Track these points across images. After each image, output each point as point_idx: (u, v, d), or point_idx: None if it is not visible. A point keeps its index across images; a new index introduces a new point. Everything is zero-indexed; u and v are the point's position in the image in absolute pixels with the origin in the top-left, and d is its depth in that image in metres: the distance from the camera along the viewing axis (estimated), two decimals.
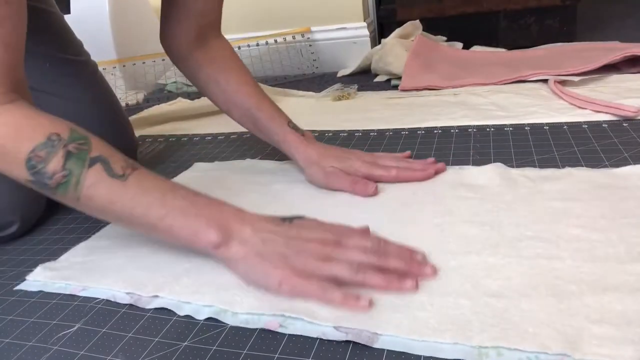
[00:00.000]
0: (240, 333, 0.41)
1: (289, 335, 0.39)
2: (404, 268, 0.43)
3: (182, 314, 0.44)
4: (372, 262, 0.43)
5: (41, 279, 0.52)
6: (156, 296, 0.46)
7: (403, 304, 0.40)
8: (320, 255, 0.43)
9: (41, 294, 0.51)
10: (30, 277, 0.53)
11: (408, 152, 0.68)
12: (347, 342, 0.38)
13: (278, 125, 0.66)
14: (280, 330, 0.40)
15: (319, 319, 0.39)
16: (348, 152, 0.65)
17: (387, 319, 0.38)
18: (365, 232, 0.48)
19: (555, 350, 0.33)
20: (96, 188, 0.45)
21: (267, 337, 0.40)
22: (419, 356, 0.35)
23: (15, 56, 0.46)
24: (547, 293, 0.39)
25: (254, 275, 0.44)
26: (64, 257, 0.56)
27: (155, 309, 0.45)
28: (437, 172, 0.61)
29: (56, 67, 0.74)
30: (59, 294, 0.50)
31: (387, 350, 0.36)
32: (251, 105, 0.67)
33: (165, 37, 0.70)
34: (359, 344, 0.37)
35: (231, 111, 0.70)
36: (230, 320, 0.42)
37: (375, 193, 0.59)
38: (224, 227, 0.45)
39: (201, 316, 0.43)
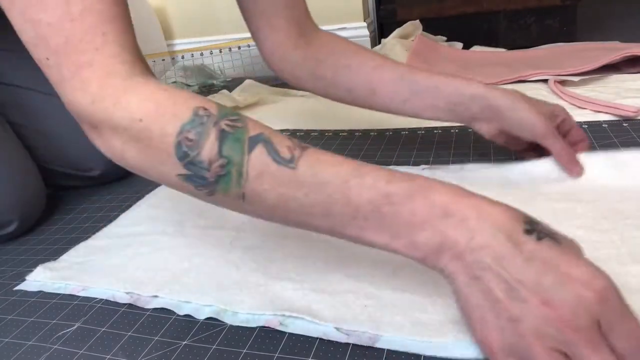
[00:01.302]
0: (240, 332, 0.41)
1: (289, 334, 0.39)
2: None
3: (182, 313, 0.44)
4: None
5: (41, 279, 0.52)
6: (156, 296, 0.46)
7: (403, 305, 0.40)
8: (554, 340, 0.28)
9: (41, 294, 0.51)
10: (30, 277, 0.53)
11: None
12: (347, 342, 0.38)
13: (447, 77, 0.56)
14: (280, 328, 0.40)
15: (320, 319, 0.39)
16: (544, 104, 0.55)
17: (388, 321, 0.38)
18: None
19: None
20: (263, 181, 0.34)
21: (267, 337, 0.40)
22: (419, 356, 0.35)
23: (127, 13, 0.39)
24: None
25: (467, 317, 0.32)
26: (64, 257, 0.56)
27: (155, 308, 0.45)
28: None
29: None
30: (59, 294, 0.50)
31: (387, 350, 0.36)
32: (402, 71, 0.58)
33: (271, 54, 0.64)
34: (359, 345, 0.37)
35: (378, 92, 0.59)
36: (231, 320, 0.42)
37: (580, 174, 0.52)
38: (432, 237, 0.32)
39: (201, 316, 0.43)
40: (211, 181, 0.35)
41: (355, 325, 0.38)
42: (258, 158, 0.34)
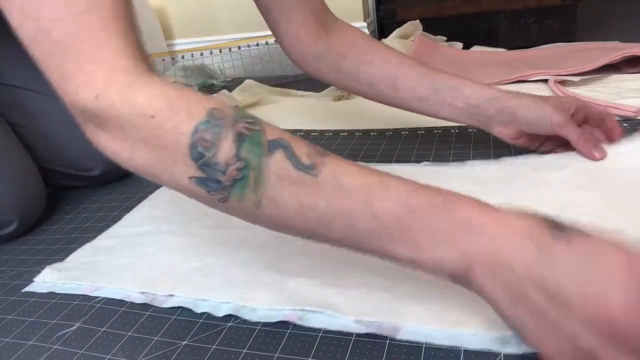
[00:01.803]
0: (240, 332, 0.41)
1: (289, 334, 0.39)
2: None
3: (199, 311, 0.44)
4: None
5: (50, 279, 0.52)
6: (172, 295, 0.46)
7: (420, 297, 0.40)
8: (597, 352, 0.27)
9: (41, 293, 0.51)
10: (39, 279, 0.53)
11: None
12: (347, 342, 0.38)
13: (466, 80, 0.59)
14: (299, 322, 0.40)
15: (339, 312, 0.39)
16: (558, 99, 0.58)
17: (406, 312, 0.38)
18: None
19: None
20: (282, 188, 0.32)
21: (267, 337, 0.40)
22: (420, 353, 0.35)
23: (130, 12, 0.39)
24: None
25: (523, 336, 0.31)
26: (71, 258, 0.56)
27: (154, 307, 0.45)
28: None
29: None
30: (59, 294, 0.50)
31: (387, 350, 0.36)
32: (427, 72, 0.59)
33: (291, 47, 0.63)
34: (359, 344, 0.37)
35: (398, 87, 0.60)
36: (249, 316, 0.42)
37: (603, 157, 0.53)
38: (459, 253, 0.30)
39: (219, 313, 0.43)
40: (226, 185, 0.33)
41: (375, 317, 0.38)
42: (277, 163, 0.32)
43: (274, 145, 0.33)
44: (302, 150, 0.33)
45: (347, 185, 0.32)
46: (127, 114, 0.34)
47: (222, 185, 0.33)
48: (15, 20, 0.37)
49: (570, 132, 0.55)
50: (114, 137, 0.36)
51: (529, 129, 0.56)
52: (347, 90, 0.66)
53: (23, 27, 0.36)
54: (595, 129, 0.59)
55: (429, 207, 0.32)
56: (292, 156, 0.33)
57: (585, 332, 0.27)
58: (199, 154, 0.32)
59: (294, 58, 0.66)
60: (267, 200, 0.33)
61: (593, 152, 0.54)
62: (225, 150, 0.32)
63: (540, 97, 0.57)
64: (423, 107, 0.61)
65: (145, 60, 0.37)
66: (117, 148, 0.36)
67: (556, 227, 0.30)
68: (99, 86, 0.35)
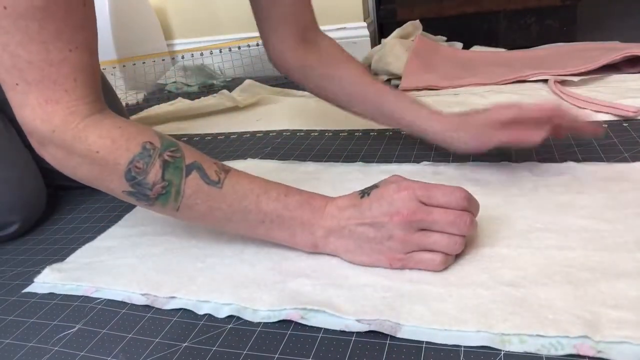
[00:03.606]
0: (241, 333, 0.41)
1: (290, 335, 0.39)
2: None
3: (201, 313, 0.44)
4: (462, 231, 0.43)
5: (50, 280, 0.52)
6: (173, 297, 0.46)
7: (421, 296, 0.40)
8: (406, 238, 0.43)
9: (41, 294, 0.51)
10: (39, 279, 0.53)
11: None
12: (347, 342, 0.38)
13: (406, 103, 0.64)
14: (302, 322, 0.40)
15: (341, 312, 0.40)
16: (486, 110, 0.57)
17: (408, 311, 0.39)
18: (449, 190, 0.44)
19: (576, 333, 0.34)
20: (195, 197, 0.45)
21: (267, 337, 0.40)
22: (420, 352, 0.35)
23: (97, 63, 0.47)
24: (563, 281, 0.39)
25: (364, 262, 0.45)
26: (72, 258, 0.56)
27: (155, 309, 0.45)
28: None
29: None
30: (59, 294, 0.50)
31: (387, 350, 0.36)
32: (373, 93, 0.67)
33: (272, 53, 0.71)
34: (359, 344, 0.37)
35: (352, 104, 0.69)
36: (251, 317, 0.42)
37: (541, 140, 0.53)
38: (317, 226, 0.46)
39: (221, 314, 0.43)
40: (152, 197, 0.45)
41: (376, 314, 0.39)
42: (193, 181, 0.45)
43: (191, 168, 0.45)
44: (211, 169, 0.46)
45: (241, 190, 0.46)
46: (78, 148, 0.44)
47: (149, 198, 0.45)
48: None
49: (505, 135, 0.54)
50: (61, 157, 0.46)
51: (450, 149, 0.61)
52: (320, 97, 0.74)
53: (1, 55, 0.42)
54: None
55: (294, 200, 0.47)
56: (204, 175, 0.45)
57: (393, 230, 0.43)
58: (132, 177, 0.44)
59: (277, 67, 0.74)
60: (184, 207, 0.46)
61: (532, 137, 0.53)
62: (153, 174, 0.44)
63: (451, 120, 0.60)
64: (374, 122, 0.70)
65: (101, 101, 0.47)
66: (62, 163, 0.46)
67: (361, 192, 0.46)
68: (56, 124, 0.43)
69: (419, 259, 0.43)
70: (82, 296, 0.49)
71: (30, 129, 0.45)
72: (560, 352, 0.33)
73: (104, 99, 0.47)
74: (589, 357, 0.33)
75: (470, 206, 0.43)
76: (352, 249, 0.45)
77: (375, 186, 0.46)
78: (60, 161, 0.46)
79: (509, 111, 0.54)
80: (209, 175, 0.46)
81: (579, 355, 0.33)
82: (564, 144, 0.65)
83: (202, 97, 1.19)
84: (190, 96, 1.25)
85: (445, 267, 0.43)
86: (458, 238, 0.43)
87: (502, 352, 0.34)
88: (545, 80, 0.92)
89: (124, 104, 1.27)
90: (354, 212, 0.45)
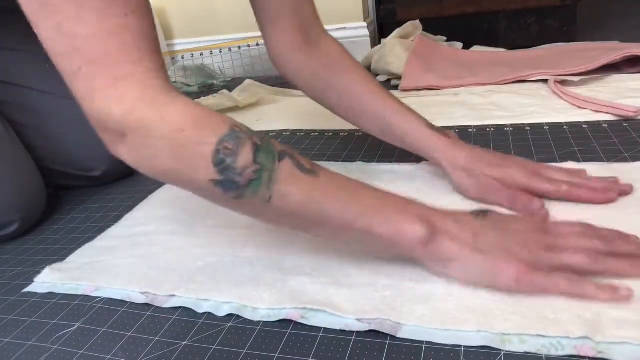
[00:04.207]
0: (240, 332, 0.41)
1: (289, 334, 0.39)
2: (637, 251, 0.40)
3: (201, 311, 0.44)
4: (601, 248, 0.40)
5: (50, 280, 0.52)
6: (173, 295, 0.46)
7: (422, 296, 0.40)
8: (546, 245, 0.40)
9: (41, 294, 0.51)
10: (39, 279, 0.53)
11: (584, 170, 0.55)
12: (347, 342, 0.38)
13: (415, 126, 0.58)
14: (302, 321, 0.40)
15: (342, 311, 0.40)
16: (503, 158, 0.54)
17: (408, 310, 0.39)
18: (567, 224, 0.43)
19: (576, 334, 0.34)
20: (290, 184, 0.39)
21: (267, 336, 0.40)
22: (420, 353, 0.35)
23: (155, 33, 0.41)
24: None
25: (479, 273, 0.39)
26: (71, 259, 0.56)
27: (155, 307, 0.45)
28: (620, 195, 0.50)
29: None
30: (59, 294, 0.50)
31: (387, 350, 0.36)
32: (381, 109, 0.61)
33: (275, 54, 0.67)
34: (359, 344, 0.37)
35: (358, 118, 0.64)
36: (251, 316, 0.42)
37: (540, 211, 0.49)
38: (428, 221, 0.40)
39: (221, 313, 0.43)
40: (242, 185, 0.38)
41: (376, 314, 0.39)
42: (286, 165, 0.40)
43: (283, 154, 0.40)
44: (303, 160, 0.41)
45: (338, 182, 0.42)
46: (159, 128, 0.38)
47: (238, 185, 0.38)
48: (49, 36, 0.38)
49: (498, 199, 0.52)
50: (139, 145, 0.39)
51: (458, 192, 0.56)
52: (323, 105, 0.69)
53: (56, 42, 0.38)
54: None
55: (395, 197, 0.43)
56: (297, 162, 0.40)
57: (529, 235, 0.41)
58: (221, 160, 0.38)
59: (278, 66, 0.68)
60: (277, 195, 0.39)
61: (529, 208, 0.50)
62: (245, 156, 0.38)
63: (455, 158, 0.55)
64: (378, 136, 0.64)
65: (169, 80, 0.41)
66: (141, 153, 0.40)
67: (472, 213, 0.43)
68: (133, 102, 0.38)
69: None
70: (81, 295, 0.49)
71: (105, 119, 0.39)
72: (561, 353, 0.33)
73: None
74: (589, 358, 0.33)
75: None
76: (466, 260, 0.39)
77: (485, 211, 0.44)
78: (138, 152, 0.40)
79: (523, 180, 0.51)
80: (303, 164, 0.40)
81: (579, 356, 0.33)
82: (564, 144, 0.65)
83: (202, 97, 1.19)
84: (190, 96, 1.25)
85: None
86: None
87: (502, 352, 0.34)
88: (545, 80, 0.92)
89: None
90: (471, 220, 0.42)
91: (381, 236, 0.40)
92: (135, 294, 0.47)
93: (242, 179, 0.38)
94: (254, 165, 0.38)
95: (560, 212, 0.49)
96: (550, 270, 0.38)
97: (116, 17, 0.38)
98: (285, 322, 0.41)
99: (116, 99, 0.38)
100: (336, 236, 0.43)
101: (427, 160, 0.60)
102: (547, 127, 0.72)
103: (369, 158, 0.70)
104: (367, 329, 0.38)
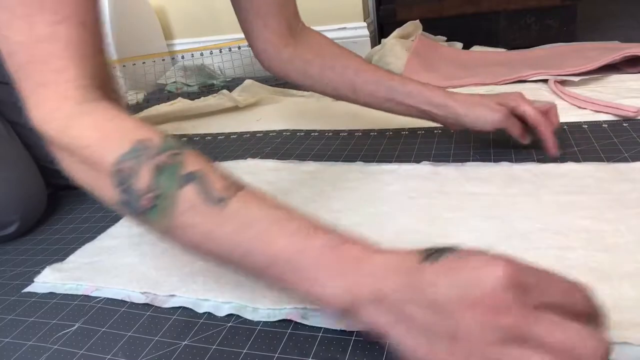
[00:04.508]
0: (240, 332, 0.41)
1: (289, 334, 0.39)
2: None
3: (201, 311, 0.44)
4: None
5: (50, 280, 0.52)
6: (173, 295, 0.46)
7: None
8: (480, 345, 0.27)
9: (41, 294, 0.51)
10: (39, 279, 0.53)
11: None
12: (347, 342, 0.38)
13: (416, 85, 0.65)
14: (302, 321, 0.40)
15: None
16: (501, 95, 0.63)
17: None
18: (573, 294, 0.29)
19: None
20: (188, 217, 0.35)
21: (267, 336, 0.40)
22: None
23: (94, 39, 0.41)
24: None
25: (419, 352, 0.29)
26: (72, 258, 0.56)
27: (155, 307, 0.45)
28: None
29: None
30: (59, 294, 0.50)
31: (388, 350, 0.36)
32: (381, 76, 0.66)
33: (262, 52, 0.69)
34: (359, 344, 0.37)
35: (357, 92, 0.68)
36: (251, 316, 0.42)
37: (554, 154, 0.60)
38: (352, 285, 0.31)
39: (221, 313, 0.43)
40: (141, 210, 0.36)
41: None
42: (189, 193, 0.35)
43: (189, 178, 0.35)
44: (216, 183, 0.35)
45: (250, 216, 0.35)
46: (67, 142, 0.38)
47: (139, 210, 0.36)
48: None
49: (511, 129, 0.61)
50: (58, 157, 0.40)
51: (474, 128, 0.63)
52: (315, 92, 0.74)
53: (0, 44, 0.39)
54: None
55: (320, 240, 0.33)
56: (203, 189, 0.35)
57: (463, 326, 0.27)
58: (120, 181, 0.36)
59: (264, 63, 0.72)
60: (176, 227, 0.36)
61: (549, 148, 0.60)
62: (143, 179, 0.35)
63: (482, 98, 0.63)
64: (382, 108, 0.69)
65: (100, 88, 0.40)
66: (62, 164, 0.40)
67: (421, 253, 0.31)
68: (46, 112, 0.39)
69: None
70: (81, 295, 0.49)
71: (34, 126, 0.39)
72: None
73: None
74: None
75: (597, 320, 0.29)
76: (399, 330, 0.30)
77: (449, 249, 0.30)
78: (61, 162, 0.40)
79: (515, 104, 0.61)
80: (211, 191, 0.35)
81: None
82: (564, 144, 0.65)
83: (202, 97, 1.19)
84: (190, 96, 1.25)
85: None
86: None
87: None
88: (545, 80, 0.92)
89: (124, 104, 1.28)
90: (406, 282, 0.30)
91: (295, 290, 0.34)
92: (135, 294, 0.47)
93: (139, 205, 0.36)
94: (152, 191, 0.35)
95: (558, 212, 0.49)
96: None
97: (45, 25, 0.38)
98: (285, 322, 0.41)
99: (36, 105, 0.39)
100: (252, 276, 0.37)
101: (428, 160, 0.61)
102: None
103: (369, 158, 0.70)
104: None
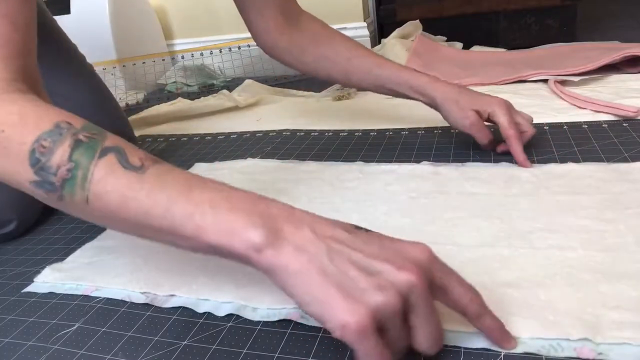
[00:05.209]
0: (240, 332, 0.41)
1: (289, 334, 0.39)
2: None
3: (200, 311, 0.44)
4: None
5: (50, 280, 0.52)
6: (173, 295, 0.46)
7: None
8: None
9: (41, 294, 0.51)
10: (39, 279, 0.52)
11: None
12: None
13: (405, 71, 0.69)
14: (301, 321, 0.40)
15: None
16: (485, 97, 0.65)
17: None
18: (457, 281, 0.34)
19: (576, 336, 0.34)
20: (107, 183, 0.35)
21: (267, 336, 0.40)
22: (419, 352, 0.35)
23: (24, 39, 0.41)
24: (563, 282, 0.39)
25: (312, 301, 0.31)
26: (72, 258, 0.56)
27: (155, 307, 0.45)
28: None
29: (55, 68, 0.74)
30: (59, 294, 0.50)
31: None
32: (371, 65, 0.70)
33: (262, 40, 0.74)
34: None
35: (350, 78, 0.73)
36: (251, 316, 0.42)
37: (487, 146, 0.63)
38: (270, 224, 0.33)
39: (221, 313, 0.43)
40: (57, 185, 0.36)
41: None
42: (105, 163, 0.36)
43: (108, 150, 0.36)
44: (135, 155, 0.37)
45: (169, 179, 0.36)
46: None
47: (55, 186, 0.36)
48: None
49: (483, 139, 0.64)
50: None
51: (447, 121, 0.67)
52: (313, 76, 0.78)
53: None
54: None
55: (241, 193, 0.35)
56: (122, 158, 0.36)
57: (392, 281, 0.31)
58: (36, 160, 0.36)
59: (266, 50, 0.76)
60: (93, 195, 0.36)
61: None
62: (60, 154, 0.36)
63: (465, 94, 0.65)
64: (374, 90, 0.73)
65: (26, 77, 0.41)
66: None
67: (355, 225, 0.35)
68: None
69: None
70: (81, 295, 0.49)
71: None
72: (561, 354, 0.33)
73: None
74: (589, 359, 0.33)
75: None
76: (307, 278, 0.31)
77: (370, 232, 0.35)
78: None
79: (491, 110, 0.63)
80: (130, 160, 0.36)
81: (579, 358, 0.33)
82: (564, 144, 0.65)
83: (202, 97, 1.19)
84: (190, 96, 1.25)
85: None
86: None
87: (502, 353, 0.34)
88: (545, 80, 0.92)
89: (123, 104, 1.28)
90: (341, 233, 0.33)
91: (210, 241, 0.33)
92: (135, 294, 0.47)
93: (56, 179, 0.36)
94: (68, 164, 0.36)
95: (558, 212, 0.49)
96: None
97: None
98: (285, 322, 0.41)
99: None
100: (169, 241, 0.37)
101: (428, 160, 0.61)
102: (547, 127, 0.72)
103: (369, 158, 0.70)
104: None
